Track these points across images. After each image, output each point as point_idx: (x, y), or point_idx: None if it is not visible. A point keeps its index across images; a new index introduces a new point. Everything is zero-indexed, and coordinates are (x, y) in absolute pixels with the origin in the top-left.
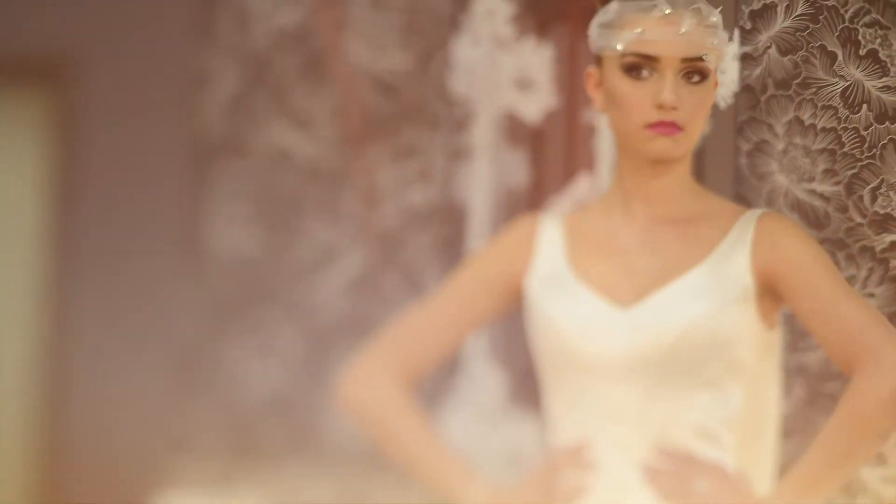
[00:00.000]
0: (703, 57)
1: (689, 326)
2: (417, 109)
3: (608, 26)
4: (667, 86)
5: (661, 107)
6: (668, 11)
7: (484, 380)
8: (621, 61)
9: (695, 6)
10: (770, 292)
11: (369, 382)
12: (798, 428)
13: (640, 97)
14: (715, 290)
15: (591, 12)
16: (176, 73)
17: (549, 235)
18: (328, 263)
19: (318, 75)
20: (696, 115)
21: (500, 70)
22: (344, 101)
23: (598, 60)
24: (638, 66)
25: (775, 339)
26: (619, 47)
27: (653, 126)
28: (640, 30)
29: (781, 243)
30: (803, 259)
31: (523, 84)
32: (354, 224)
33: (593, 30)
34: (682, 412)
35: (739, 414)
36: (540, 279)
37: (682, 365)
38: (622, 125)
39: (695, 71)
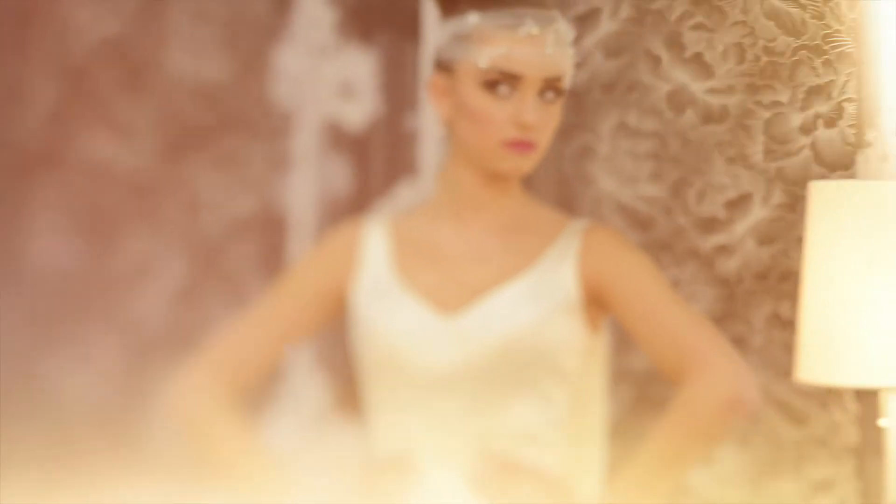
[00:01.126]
0: (562, 76)
1: (514, 335)
2: (239, 119)
3: (465, 39)
4: (528, 105)
5: (521, 126)
6: (535, 32)
7: (307, 388)
8: (482, 77)
9: (554, 26)
10: (596, 301)
11: (195, 394)
12: (625, 430)
13: (498, 114)
14: (540, 299)
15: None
16: None
17: (373, 242)
18: (148, 274)
19: (138, 86)
20: (547, 132)
21: (323, 78)
22: (164, 112)
23: (446, 70)
24: (498, 82)
25: (600, 343)
26: (483, 64)
27: (510, 145)
28: (505, 48)
29: (608, 256)
30: (630, 271)
31: (346, 92)
32: (175, 234)
33: (444, 40)
34: (508, 418)
35: (565, 418)
36: (364, 286)
37: (506, 372)
38: (476, 139)
39: (551, 89)
